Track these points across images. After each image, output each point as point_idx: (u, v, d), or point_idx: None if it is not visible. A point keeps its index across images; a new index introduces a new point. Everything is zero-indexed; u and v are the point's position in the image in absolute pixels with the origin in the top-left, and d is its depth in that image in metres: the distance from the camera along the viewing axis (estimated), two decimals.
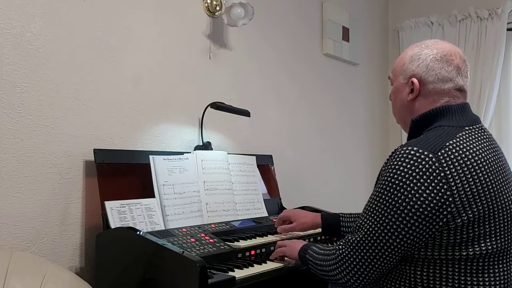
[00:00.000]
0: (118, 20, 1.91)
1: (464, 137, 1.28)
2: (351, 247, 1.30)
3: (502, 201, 1.26)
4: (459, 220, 1.20)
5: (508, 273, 1.28)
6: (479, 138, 1.31)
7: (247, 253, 1.71)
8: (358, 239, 1.29)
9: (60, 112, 1.71)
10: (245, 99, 2.45)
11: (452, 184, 1.19)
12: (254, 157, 2.23)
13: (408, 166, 1.21)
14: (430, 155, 1.21)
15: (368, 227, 1.27)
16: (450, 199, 1.19)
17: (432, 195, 1.19)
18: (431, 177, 1.20)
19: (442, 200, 1.19)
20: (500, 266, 1.26)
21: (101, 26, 1.85)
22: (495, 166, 1.28)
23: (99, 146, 1.80)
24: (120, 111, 1.91)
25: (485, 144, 1.30)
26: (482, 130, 1.35)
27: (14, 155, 1.59)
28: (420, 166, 1.20)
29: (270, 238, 1.85)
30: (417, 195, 1.20)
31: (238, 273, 1.49)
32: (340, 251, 1.33)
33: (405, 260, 1.28)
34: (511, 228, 1.28)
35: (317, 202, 2.44)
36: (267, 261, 1.65)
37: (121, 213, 1.68)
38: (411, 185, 1.20)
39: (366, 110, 3.53)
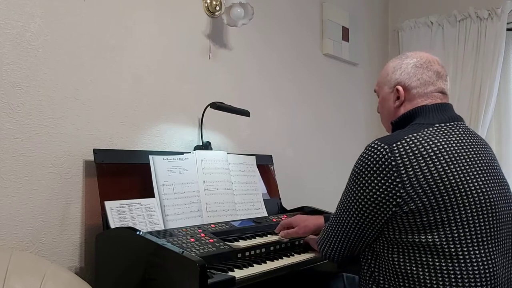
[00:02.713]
0: (118, 20, 1.91)
1: (429, 132, 1.37)
2: (327, 225, 1.52)
3: (466, 190, 1.30)
4: (412, 205, 1.28)
5: (488, 260, 1.30)
6: (450, 134, 1.38)
7: (247, 253, 1.71)
8: (331, 220, 1.49)
9: (60, 112, 1.71)
10: (245, 99, 2.45)
11: (403, 172, 1.29)
12: (254, 157, 2.23)
13: (367, 157, 1.36)
14: (385, 147, 1.33)
15: (338, 209, 1.46)
16: (400, 185, 1.29)
17: (382, 181, 1.31)
18: (383, 166, 1.32)
19: (392, 186, 1.30)
20: (477, 253, 1.29)
21: (101, 26, 1.85)
22: (464, 159, 1.34)
23: (99, 146, 1.80)
24: (120, 111, 1.91)
25: (456, 139, 1.37)
26: (458, 127, 1.42)
27: (14, 155, 1.59)
28: (375, 156, 1.34)
29: (270, 238, 1.85)
30: (369, 181, 1.34)
31: (238, 273, 1.49)
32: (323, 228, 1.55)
33: (383, 245, 1.37)
34: (486, 217, 1.32)
35: (317, 202, 2.44)
36: (267, 261, 1.66)
37: (121, 213, 1.68)
38: (365, 172, 1.35)
39: (366, 110, 3.53)
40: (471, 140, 1.40)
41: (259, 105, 2.55)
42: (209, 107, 2.14)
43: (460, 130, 1.41)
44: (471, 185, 1.32)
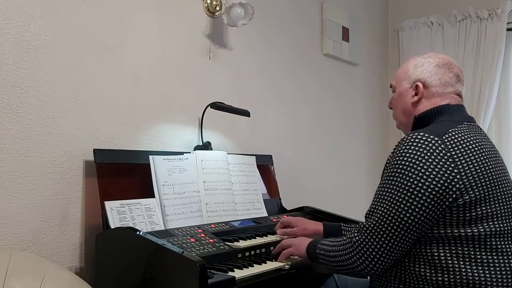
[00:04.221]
0: (118, 20, 1.91)
1: (463, 128, 1.41)
2: (367, 233, 1.34)
3: (500, 185, 1.36)
4: (466, 197, 1.29)
5: None
6: (476, 131, 1.44)
7: (247, 253, 1.72)
8: (374, 223, 1.34)
9: (60, 112, 1.71)
10: (245, 99, 2.45)
11: (458, 163, 1.30)
12: (254, 157, 2.23)
13: (417, 148, 1.32)
14: (436, 138, 1.32)
15: (382, 209, 1.33)
16: (458, 176, 1.29)
17: (441, 172, 1.29)
18: (439, 157, 1.30)
19: (451, 177, 1.29)
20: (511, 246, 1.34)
21: (101, 26, 1.85)
22: (491, 154, 1.40)
23: (99, 146, 1.80)
24: (120, 111, 1.91)
25: (481, 137, 1.43)
26: (478, 127, 1.48)
27: (14, 155, 1.59)
28: (428, 148, 1.31)
29: (270, 238, 1.85)
30: (427, 173, 1.29)
31: (238, 273, 1.49)
32: (356, 238, 1.37)
33: (419, 241, 1.33)
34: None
35: (317, 202, 2.44)
36: (267, 261, 1.66)
37: (121, 213, 1.68)
38: (421, 164, 1.30)
39: (366, 110, 3.53)
40: (488, 139, 1.47)
41: (259, 105, 2.55)
42: (209, 107, 2.14)
43: (481, 130, 1.47)
44: (505, 180, 1.38)
